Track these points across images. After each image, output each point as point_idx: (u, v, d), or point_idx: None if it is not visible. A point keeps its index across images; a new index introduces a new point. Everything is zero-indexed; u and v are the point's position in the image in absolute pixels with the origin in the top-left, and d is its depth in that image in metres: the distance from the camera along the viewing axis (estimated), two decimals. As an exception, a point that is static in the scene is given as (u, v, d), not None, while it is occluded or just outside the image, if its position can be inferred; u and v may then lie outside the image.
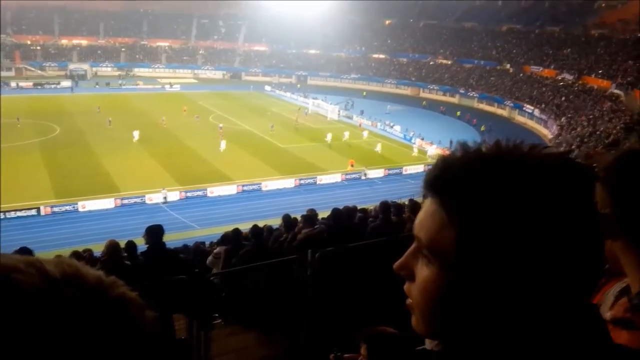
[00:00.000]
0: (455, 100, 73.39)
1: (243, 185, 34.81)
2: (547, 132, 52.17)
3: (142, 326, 0.57)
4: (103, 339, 0.51)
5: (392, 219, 8.23)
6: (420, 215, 0.79)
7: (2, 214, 28.26)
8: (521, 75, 69.84)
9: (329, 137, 46.38)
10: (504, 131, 52.82)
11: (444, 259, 0.74)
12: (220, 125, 48.77)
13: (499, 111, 66.33)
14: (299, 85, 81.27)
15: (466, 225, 0.71)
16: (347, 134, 48.02)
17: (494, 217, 0.69)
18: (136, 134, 43.88)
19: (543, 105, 57.75)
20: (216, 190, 33.74)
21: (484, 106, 69.15)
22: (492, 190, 0.70)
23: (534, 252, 0.68)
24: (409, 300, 0.81)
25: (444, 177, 0.76)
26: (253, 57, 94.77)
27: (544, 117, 56.12)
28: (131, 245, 7.14)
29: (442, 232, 0.74)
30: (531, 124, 58.89)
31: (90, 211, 29.78)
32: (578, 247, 0.70)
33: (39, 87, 71.72)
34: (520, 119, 62.17)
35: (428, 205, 0.78)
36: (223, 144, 42.53)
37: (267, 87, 79.50)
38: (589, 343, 0.73)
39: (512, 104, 64.69)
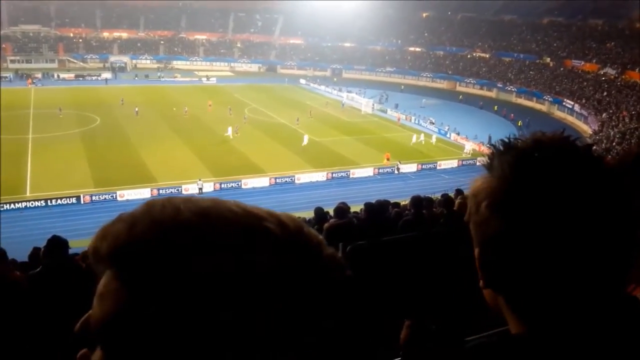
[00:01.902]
0: (492, 94, 72.06)
1: (276, 178, 35.06)
2: (587, 127, 50.74)
3: (339, 282, 0.60)
4: (317, 288, 0.55)
5: (424, 213, 8.17)
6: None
7: (43, 201, 29.25)
8: (562, 69, 68.01)
9: (414, 138, 44.57)
10: (542, 126, 51.40)
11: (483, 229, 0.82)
12: (245, 117, 49.51)
13: (538, 106, 64.82)
14: (335, 79, 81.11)
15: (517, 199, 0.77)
16: (417, 137, 44.97)
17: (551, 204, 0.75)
18: (230, 130, 43.52)
19: (584, 101, 56.14)
20: (250, 182, 34.10)
21: (523, 101, 67.69)
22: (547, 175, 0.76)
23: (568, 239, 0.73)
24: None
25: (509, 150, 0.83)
26: (289, 50, 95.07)
27: (584, 112, 54.57)
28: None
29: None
30: (571, 119, 57.36)
31: (128, 200, 30.48)
32: (618, 240, 0.74)
33: (81, 78, 73.62)
34: (559, 114, 60.63)
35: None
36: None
37: (302, 81, 79.65)
38: (624, 334, 0.73)
39: (551, 99, 63.11)
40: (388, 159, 39.29)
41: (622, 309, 0.75)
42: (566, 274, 0.73)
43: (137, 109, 50.83)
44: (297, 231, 0.57)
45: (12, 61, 79.14)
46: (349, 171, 37.20)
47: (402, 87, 75.40)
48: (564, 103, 60.15)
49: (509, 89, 70.82)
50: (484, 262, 0.81)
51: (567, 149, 0.78)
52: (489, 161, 0.83)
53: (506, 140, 0.82)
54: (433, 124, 50.27)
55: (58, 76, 73.56)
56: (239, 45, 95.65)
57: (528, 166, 0.76)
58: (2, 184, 29.52)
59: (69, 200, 29.69)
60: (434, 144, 44.66)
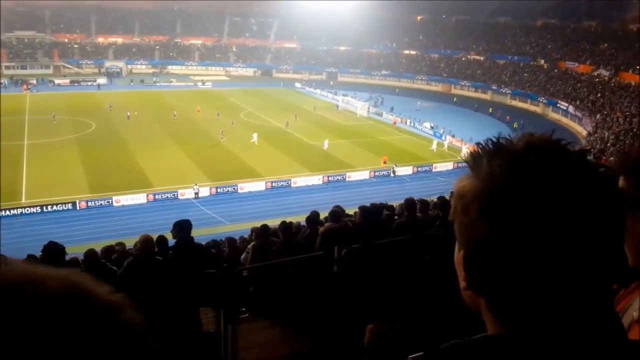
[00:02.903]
0: (487, 96, 72.30)
1: (272, 182, 35.08)
2: (581, 129, 50.97)
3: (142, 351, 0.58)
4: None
5: (418, 216, 8.22)
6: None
7: (38, 207, 29.20)
8: (556, 71, 68.31)
9: (434, 146, 44.62)
10: (537, 128, 51.78)
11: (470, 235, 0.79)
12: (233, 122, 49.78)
13: (532, 108, 65.09)
14: (331, 83, 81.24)
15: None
16: (440, 145, 45.12)
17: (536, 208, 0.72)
18: (255, 136, 43.52)
19: (578, 102, 56.39)
20: (246, 187, 34.11)
21: (517, 103, 67.96)
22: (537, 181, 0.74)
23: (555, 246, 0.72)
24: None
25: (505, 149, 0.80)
26: (284, 55, 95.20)
27: (578, 114, 54.82)
28: (162, 240, 7.30)
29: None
30: (565, 120, 57.58)
31: (124, 206, 30.48)
32: (602, 246, 0.73)
33: (76, 84, 73.51)
34: (554, 115, 60.87)
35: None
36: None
37: (298, 84, 79.76)
38: (596, 339, 0.73)
39: (546, 101, 63.37)
40: (385, 162, 39.39)
41: (602, 318, 0.75)
42: (552, 280, 0.72)
43: (128, 114, 50.92)
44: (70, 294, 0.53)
45: (7, 67, 79.00)
46: (345, 174, 37.26)
47: (397, 90, 75.61)
48: (558, 105, 60.40)
49: (504, 91, 71.08)
50: (470, 265, 0.79)
51: (560, 154, 0.76)
52: (474, 160, 0.80)
53: (495, 140, 0.81)
54: (433, 128, 50.09)
55: (53, 82, 73.46)
56: (234, 49, 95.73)
57: (521, 171, 0.74)
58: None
59: (65, 207, 29.64)
60: (446, 150, 44.33)
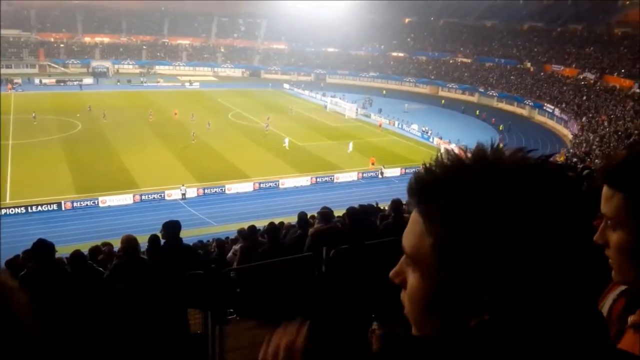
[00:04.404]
0: (474, 99, 72.78)
1: (260, 183, 35.01)
2: (567, 131, 51.50)
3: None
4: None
5: (405, 217, 8.26)
6: (408, 224, 0.80)
7: (23, 208, 28.88)
8: (542, 74, 68.98)
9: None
10: (523, 130, 52.37)
11: (425, 267, 0.74)
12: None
13: (519, 110, 65.63)
14: (322, 84, 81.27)
15: (440, 231, 0.71)
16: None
17: (467, 224, 0.69)
18: (287, 141, 43.14)
19: (564, 105, 56.98)
20: (234, 187, 33.99)
21: (504, 105, 68.49)
22: (465, 196, 0.70)
23: (508, 258, 0.68)
24: (405, 310, 0.81)
25: (422, 185, 0.76)
26: (272, 55, 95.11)
27: (564, 116, 55.38)
28: (154, 239, 7.26)
29: (421, 240, 0.74)
30: (551, 123, 58.16)
31: (110, 206, 30.24)
32: (550, 249, 0.70)
33: (62, 83, 72.80)
34: (540, 118, 61.44)
35: (412, 214, 0.78)
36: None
37: (286, 85, 79.72)
38: (576, 346, 0.72)
39: (532, 103, 63.95)
40: (373, 164, 39.50)
41: (581, 322, 0.73)
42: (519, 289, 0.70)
43: (104, 113, 50.76)
44: None
45: (-8, 66, 78.06)
46: (333, 175, 37.30)
47: (384, 91, 75.87)
48: (544, 107, 60.99)
49: (491, 93, 71.60)
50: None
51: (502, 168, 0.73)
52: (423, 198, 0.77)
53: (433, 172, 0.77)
54: (425, 132, 49.96)
55: (41, 81, 72.72)
56: (222, 50, 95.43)
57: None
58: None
59: (50, 207, 29.33)
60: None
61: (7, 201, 30.00)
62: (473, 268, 0.69)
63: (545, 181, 0.72)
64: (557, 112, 57.70)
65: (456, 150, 0.77)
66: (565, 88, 61.12)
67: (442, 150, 0.81)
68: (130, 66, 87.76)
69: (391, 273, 0.83)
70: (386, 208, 11.46)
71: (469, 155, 0.75)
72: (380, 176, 38.21)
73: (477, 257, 0.69)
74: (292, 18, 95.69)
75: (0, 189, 31.26)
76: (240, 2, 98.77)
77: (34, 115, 49.23)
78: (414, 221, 0.76)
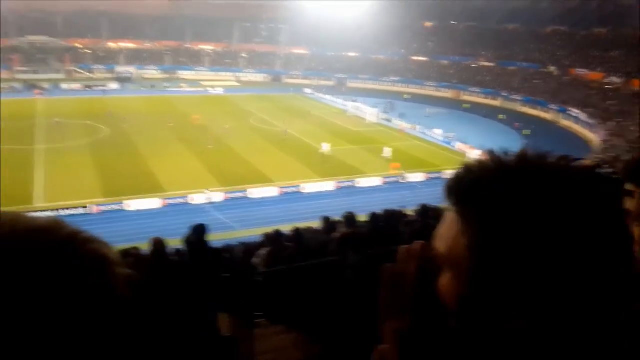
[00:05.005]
0: (497, 103, 72.16)
1: (283, 188, 35.21)
2: (593, 136, 50.72)
3: (109, 282, 0.61)
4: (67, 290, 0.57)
5: (431, 222, 8.28)
6: (440, 224, 0.80)
7: (51, 212, 29.47)
8: (566, 78, 68.11)
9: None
10: (547, 135, 51.74)
11: (458, 267, 0.74)
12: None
13: (543, 115, 64.88)
14: (344, 89, 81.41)
15: (479, 234, 0.71)
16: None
17: (507, 227, 0.68)
18: (325, 146, 43.15)
19: (589, 109, 56.16)
20: (257, 192, 34.24)
21: (528, 109, 67.78)
22: (507, 200, 0.69)
23: (543, 262, 0.67)
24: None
25: (462, 185, 0.76)
26: (293, 60, 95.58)
27: (590, 121, 54.59)
28: (188, 240, 7.39)
29: (456, 240, 0.74)
30: (577, 128, 57.35)
31: (136, 210, 30.69)
32: (595, 258, 0.67)
33: (87, 88, 74.17)
34: (565, 122, 60.64)
35: (447, 213, 0.78)
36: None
37: (307, 90, 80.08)
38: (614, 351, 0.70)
39: (556, 108, 63.18)
40: (395, 169, 39.44)
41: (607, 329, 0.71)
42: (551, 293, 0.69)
43: (125, 118, 51.49)
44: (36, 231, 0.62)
45: (20, 72, 79.82)
46: (356, 180, 37.32)
47: (405, 96, 75.67)
48: (569, 112, 60.18)
49: (514, 97, 70.92)
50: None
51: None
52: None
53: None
54: (449, 138, 49.42)
55: (69, 86, 74.22)
56: (244, 55, 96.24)
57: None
58: (10, 194, 29.81)
59: (77, 211, 29.88)
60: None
61: (36, 205, 30.65)
62: (509, 271, 0.68)
63: (592, 189, 0.70)
64: (582, 116, 56.90)
65: (497, 154, 0.76)
66: (590, 92, 60.25)
67: (482, 154, 0.78)
68: (154, 71, 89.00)
69: None
70: (412, 213, 11.48)
71: (511, 158, 0.74)
72: (403, 181, 38.09)
73: (513, 260, 0.68)
74: (314, 23, 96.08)
75: (30, 192, 32.02)
76: (262, 7, 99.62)
77: (57, 120, 50.20)
78: (450, 221, 0.76)
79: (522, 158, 0.74)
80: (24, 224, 0.60)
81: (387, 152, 43.01)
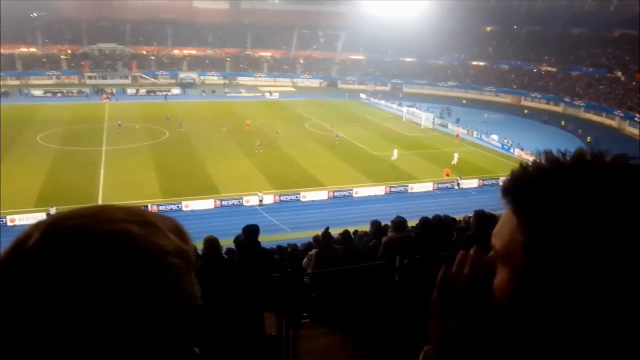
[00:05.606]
0: (559, 109, 69.71)
1: (334, 192, 35.34)
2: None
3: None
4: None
5: (485, 230, 8.14)
6: (498, 223, 0.80)
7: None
8: (634, 84, 64.90)
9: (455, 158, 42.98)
10: (612, 143, 49.45)
11: (514, 264, 0.75)
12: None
13: (608, 122, 62.13)
14: (401, 95, 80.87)
15: (534, 231, 0.71)
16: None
17: (563, 224, 0.69)
18: (396, 153, 43.53)
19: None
20: (309, 195, 34.54)
21: (592, 116, 65.11)
22: (563, 198, 0.70)
23: (603, 262, 0.67)
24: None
25: (518, 184, 0.76)
26: (350, 66, 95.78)
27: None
28: (238, 241, 7.59)
29: (513, 237, 0.75)
30: (645, 136, 54.63)
31: (193, 211, 31.62)
32: None
33: (152, 94, 77.02)
34: (631, 130, 57.83)
35: (504, 212, 0.79)
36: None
37: (362, 96, 80.00)
38: None
39: (622, 115, 60.33)
40: (448, 175, 38.80)
41: None
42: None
43: (181, 123, 52.55)
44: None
45: (90, 77, 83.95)
46: (408, 186, 36.99)
47: (464, 101, 74.32)
48: (636, 119, 57.34)
49: (577, 103, 68.29)
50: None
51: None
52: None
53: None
54: (506, 142, 48.30)
55: (137, 91, 77.47)
56: (301, 61, 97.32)
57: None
58: (75, 193, 31.44)
59: (138, 210, 30.98)
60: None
61: (100, 204, 32.06)
62: (564, 269, 0.69)
63: None
64: (651, 123, 54.15)
65: (553, 154, 0.77)
66: (660, 99, 57.25)
67: (538, 155, 0.79)
68: (215, 78, 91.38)
69: None
70: (462, 220, 11.31)
71: (568, 158, 0.75)
72: (457, 187, 37.44)
73: (569, 258, 0.68)
74: (371, 29, 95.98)
75: (94, 192, 33.61)
76: (320, 15, 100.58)
77: (119, 123, 52.36)
78: (507, 219, 0.77)
79: (579, 157, 0.75)
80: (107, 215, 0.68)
81: (456, 158, 42.30)
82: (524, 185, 0.75)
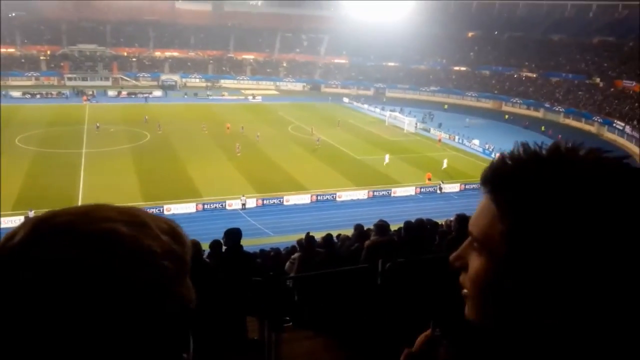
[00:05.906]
0: (539, 114, 70.68)
1: (317, 195, 35.35)
2: (638, 149, 49.04)
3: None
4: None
5: (466, 233, 8.18)
6: (476, 211, 0.82)
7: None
8: (612, 90, 66.11)
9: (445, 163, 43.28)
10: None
11: (493, 252, 0.76)
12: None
13: (587, 127, 63.12)
14: (384, 99, 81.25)
15: (514, 220, 0.73)
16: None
17: (542, 213, 0.70)
18: (387, 157, 43.58)
19: (635, 122, 54.33)
20: (292, 199, 34.49)
21: (571, 121, 66.11)
22: (541, 187, 0.72)
23: (579, 249, 0.68)
24: (464, 290, 0.84)
25: (497, 174, 0.78)
26: (333, 70, 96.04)
27: (635, 134, 52.80)
28: (216, 244, 7.55)
29: (492, 226, 0.76)
30: (622, 141, 55.53)
31: (174, 214, 31.31)
32: (627, 248, 0.69)
33: (133, 96, 76.30)
34: (609, 135, 58.83)
35: (482, 201, 0.81)
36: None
37: (345, 99, 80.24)
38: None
39: (601, 120, 61.37)
40: (430, 179, 39.06)
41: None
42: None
43: (159, 125, 52.48)
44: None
45: (70, 78, 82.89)
46: (391, 190, 37.14)
47: (446, 106, 74.97)
48: (614, 124, 58.39)
49: (557, 109, 69.30)
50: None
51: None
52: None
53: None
54: (487, 147, 48.81)
55: (119, 93, 76.69)
56: (284, 64, 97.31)
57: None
58: (54, 196, 30.96)
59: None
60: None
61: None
62: (544, 258, 0.70)
63: (623, 179, 0.72)
64: (628, 129, 55.10)
65: (530, 146, 0.79)
66: (637, 105, 58.31)
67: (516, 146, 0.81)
68: (197, 80, 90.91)
69: (452, 256, 0.85)
70: (443, 224, 11.39)
71: (544, 151, 0.77)
72: (439, 191, 37.70)
73: (549, 248, 0.70)
74: (354, 33, 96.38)
75: (73, 195, 33.14)
76: (303, 18, 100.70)
77: (97, 125, 51.69)
78: (486, 207, 0.79)
79: (554, 150, 0.77)
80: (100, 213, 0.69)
81: (445, 163, 42.62)
82: (502, 176, 0.77)
